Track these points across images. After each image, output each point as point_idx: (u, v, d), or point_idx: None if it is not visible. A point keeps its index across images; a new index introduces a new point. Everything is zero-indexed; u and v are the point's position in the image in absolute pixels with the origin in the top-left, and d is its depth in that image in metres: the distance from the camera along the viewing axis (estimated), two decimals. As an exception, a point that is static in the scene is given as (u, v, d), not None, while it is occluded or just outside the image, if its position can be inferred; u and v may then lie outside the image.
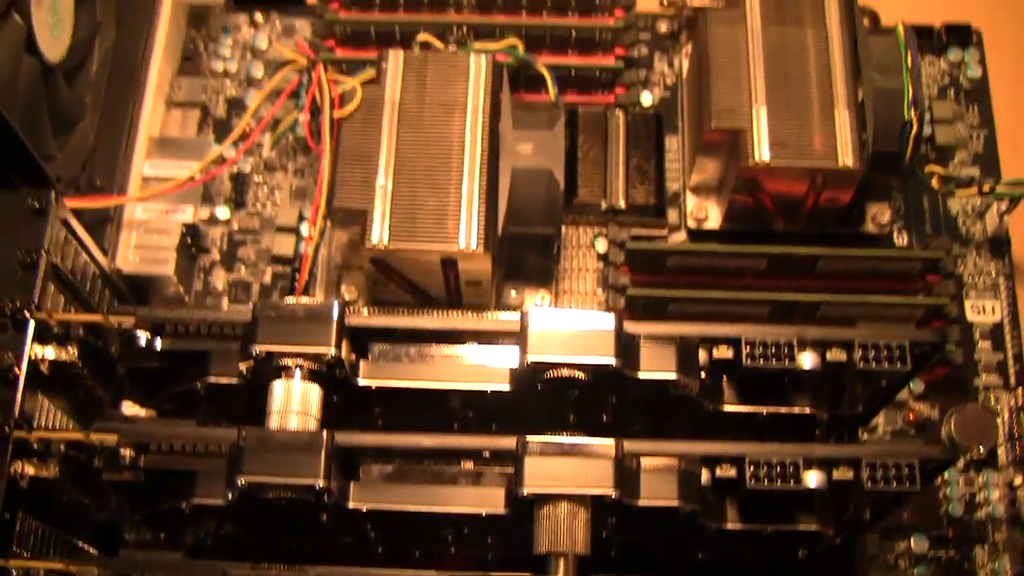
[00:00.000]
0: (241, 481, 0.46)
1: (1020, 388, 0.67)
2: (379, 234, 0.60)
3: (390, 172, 0.61)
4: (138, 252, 0.65)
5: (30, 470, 0.50)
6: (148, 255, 0.64)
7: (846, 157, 0.63)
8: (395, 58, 0.64)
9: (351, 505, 0.49)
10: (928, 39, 0.76)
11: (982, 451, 0.63)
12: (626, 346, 0.50)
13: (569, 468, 0.47)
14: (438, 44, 0.68)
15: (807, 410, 0.54)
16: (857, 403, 0.56)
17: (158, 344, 0.52)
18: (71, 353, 0.52)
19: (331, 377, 0.50)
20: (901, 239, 0.71)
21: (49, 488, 0.52)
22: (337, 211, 0.62)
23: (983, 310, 0.70)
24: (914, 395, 0.67)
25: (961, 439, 0.64)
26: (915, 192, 0.72)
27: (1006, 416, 0.67)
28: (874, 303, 0.65)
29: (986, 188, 0.67)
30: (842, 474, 0.50)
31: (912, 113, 0.64)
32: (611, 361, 0.49)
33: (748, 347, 0.51)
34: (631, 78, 0.72)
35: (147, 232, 0.65)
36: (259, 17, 0.75)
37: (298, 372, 0.49)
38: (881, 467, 0.50)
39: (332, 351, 0.49)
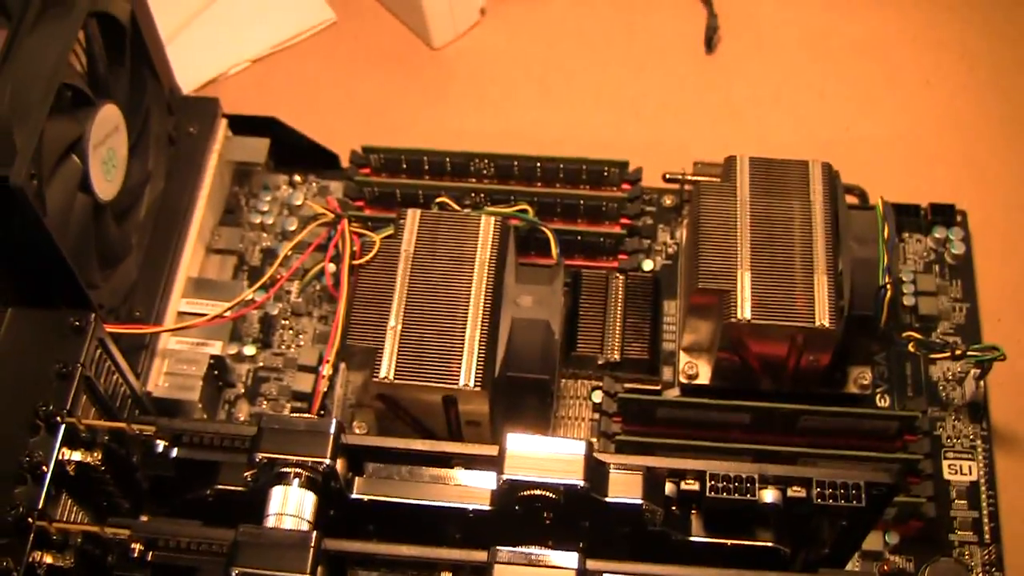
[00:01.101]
0: (234, 572, 0.51)
1: (994, 545, 0.70)
2: (386, 370, 0.66)
3: (400, 315, 0.67)
4: (168, 379, 0.71)
5: (48, 559, 0.55)
6: (177, 382, 0.71)
7: (823, 318, 0.68)
8: (412, 215, 0.71)
9: (338, 612, 0.53)
10: (915, 217, 0.81)
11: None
12: (595, 471, 0.54)
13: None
14: (455, 206, 0.75)
15: (770, 544, 0.58)
16: (821, 541, 0.59)
17: (174, 453, 0.57)
18: (95, 457, 0.57)
19: (327, 488, 0.55)
20: (884, 401, 0.75)
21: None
22: (350, 349, 0.67)
23: (960, 470, 0.73)
24: (889, 547, 0.70)
25: (936, 592, 0.67)
26: (898, 359, 0.76)
27: (979, 571, 0.69)
28: (850, 456, 0.69)
29: (958, 352, 0.71)
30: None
31: (887, 279, 0.69)
32: (579, 482, 0.53)
33: (712, 480, 0.56)
34: (633, 245, 0.78)
35: (178, 361, 0.71)
36: (297, 178, 0.83)
37: (296, 480, 0.54)
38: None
39: (327, 461, 0.53)
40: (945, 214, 0.81)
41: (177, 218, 0.75)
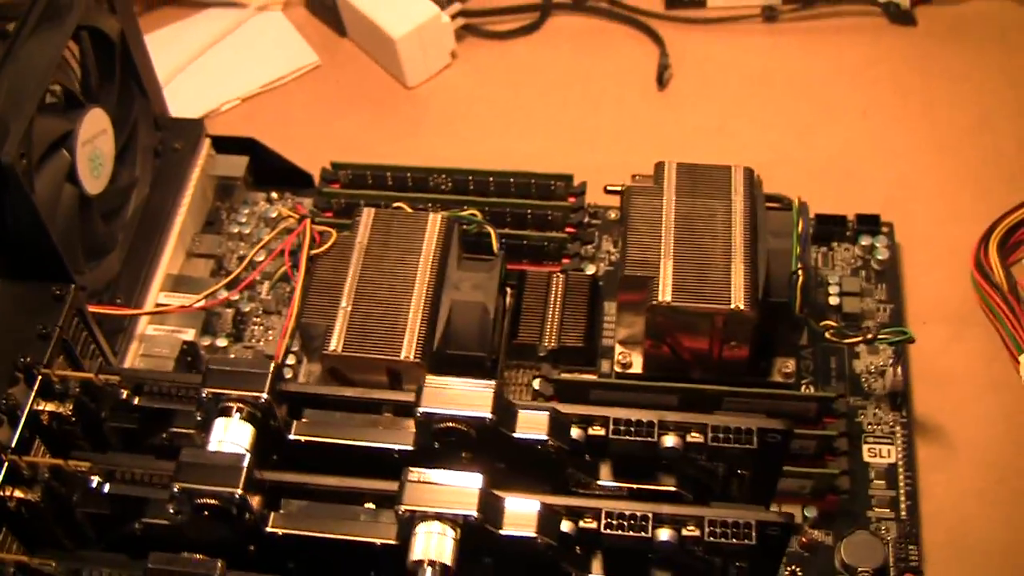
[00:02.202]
0: (175, 487, 0.57)
1: (910, 520, 0.75)
2: (335, 343, 0.73)
3: (351, 297, 0.75)
4: (142, 360, 0.78)
5: (18, 493, 0.62)
6: (150, 363, 0.78)
7: (739, 301, 0.74)
8: (368, 213, 0.79)
9: (269, 528, 0.59)
10: (842, 227, 0.88)
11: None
12: (505, 409, 0.60)
13: (441, 493, 0.57)
14: (408, 209, 0.82)
15: (672, 488, 0.63)
16: (722, 486, 0.65)
17: (136, 401, 0.64)
18: (67, 408, 0.64)
19: (265, 425, 0.61)
20: (808, 391, 0.81)
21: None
22: (303, 326, 0.74)
23: (879, 453, 0.78)
24: (809, 521, 0.75)
25: (851, 561, 0.72)
26: (823, 354, 0.82)
27: (895, 545, 0.74)
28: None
29: (869, 336, 0.77)
30: (689, 532, 0.59)
31: (799, 266, 0.75)
32: (487, 415, 0.59)
33: (616, 424, 0.62)
34: (576, 250, 0.85)
35: (153, 345, 0.79)
36: (275, 194, 0.91)
37: (237, 414, 0.60)
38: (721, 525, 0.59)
39: (265, 395, 0.60)
40: (871, 223, 0.88)
41: (160, 222, 0.82)
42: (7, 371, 0.64)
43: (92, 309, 0.71)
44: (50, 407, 0.64)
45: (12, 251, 0.70)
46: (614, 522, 0.59)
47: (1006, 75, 1.00)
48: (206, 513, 0.58)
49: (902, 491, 0.76)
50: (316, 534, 0.59)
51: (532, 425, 0.61)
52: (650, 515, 0.59)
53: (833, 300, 0.84)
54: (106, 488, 0.61)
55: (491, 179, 0.86)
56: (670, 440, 0.62)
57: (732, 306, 0.74)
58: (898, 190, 0.92)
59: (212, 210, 0.89)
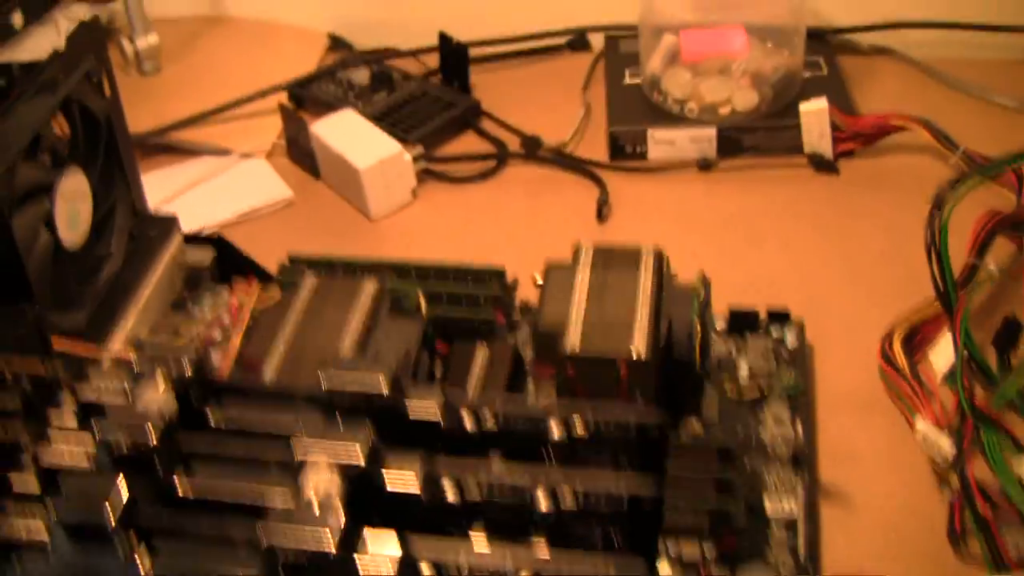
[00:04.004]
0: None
1: (810, 565, 0.78)
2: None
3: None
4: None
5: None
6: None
7: (640, 349, 0.81)
8: (310, 276, 0.88)
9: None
10: (755, 321, 0.95)
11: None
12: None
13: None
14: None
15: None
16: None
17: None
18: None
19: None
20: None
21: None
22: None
23: (782, 510, 0.83)
24: (709, 561, 0.79)
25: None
26: (729, 419, 0.88)
27: (791, 577, 0.77)
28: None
29: (766, 392, 0.83)
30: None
31: (697, 324, 0.83)
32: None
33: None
34: (503, 332, 0.93)
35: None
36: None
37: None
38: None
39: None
40: (781, 318, 0.95)
41: (128, 295, 0.91)
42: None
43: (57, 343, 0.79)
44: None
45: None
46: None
47: (919, 216, 1.09)
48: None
49: (801, 540, 0.80)
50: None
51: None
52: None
53: (743, 379, 0.91)
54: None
55: (431, 269, 0.95)
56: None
57: (634, 355, 0.80)
58: (811, 302, 1.00)
59: (179, 298, 0.97)
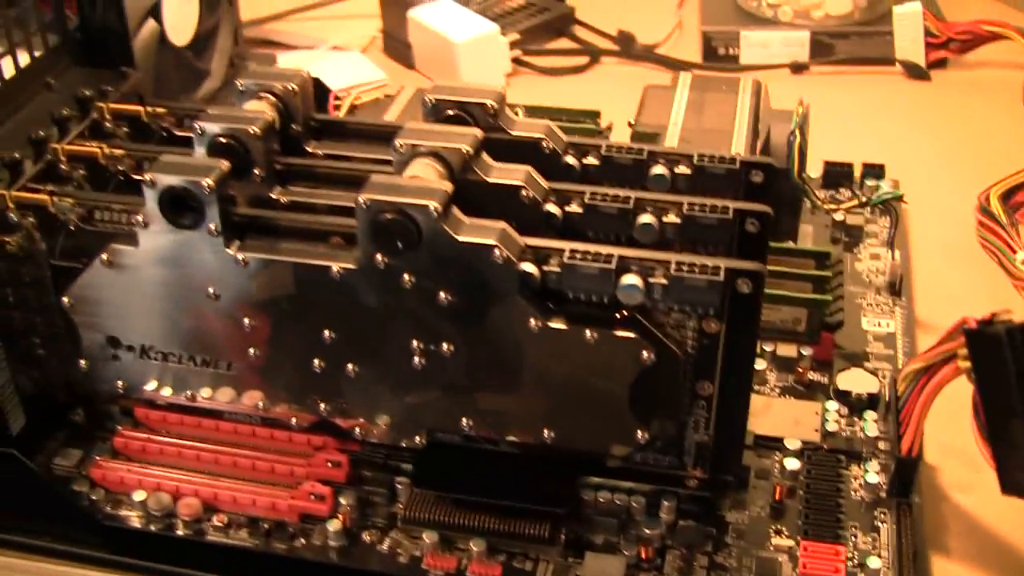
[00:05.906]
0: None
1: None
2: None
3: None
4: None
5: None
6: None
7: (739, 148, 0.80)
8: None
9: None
10: (849, 173, 0.94)
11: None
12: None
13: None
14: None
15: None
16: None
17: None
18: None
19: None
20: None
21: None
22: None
23: (878, 324, 0.80)
24: (805, 359, 0.76)
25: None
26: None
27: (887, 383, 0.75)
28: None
29: (863, 199, 0.82)
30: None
31: (796, 130, 0.81)
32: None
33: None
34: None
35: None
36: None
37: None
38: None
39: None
40: (875, 169, 0.94)
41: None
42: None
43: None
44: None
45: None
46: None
47: (1013, 119, 1.07)
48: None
49: (900, 351, 0.78)
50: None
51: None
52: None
53: (838, 216, 0.89)
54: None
55: (526, 111, 0.95)
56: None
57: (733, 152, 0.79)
58: (906, 178, 0.98)
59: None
